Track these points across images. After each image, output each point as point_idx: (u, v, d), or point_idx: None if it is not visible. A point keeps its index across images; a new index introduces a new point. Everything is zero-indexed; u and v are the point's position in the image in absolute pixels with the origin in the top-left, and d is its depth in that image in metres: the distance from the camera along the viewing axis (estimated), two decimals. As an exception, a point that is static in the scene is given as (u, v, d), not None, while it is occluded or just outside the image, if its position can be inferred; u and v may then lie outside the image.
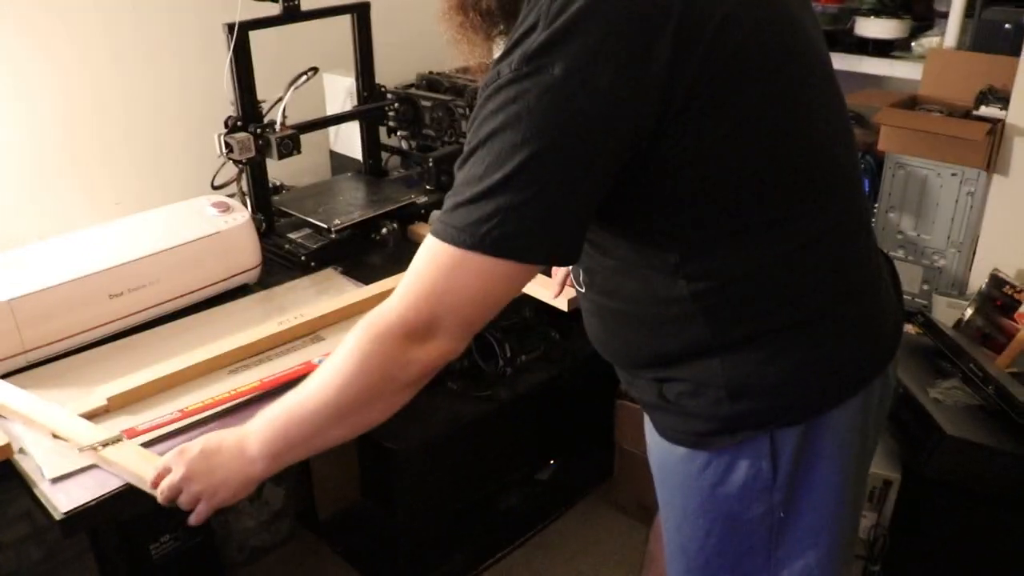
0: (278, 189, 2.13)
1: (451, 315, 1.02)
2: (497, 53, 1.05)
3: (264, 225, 1.91)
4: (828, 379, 1.14)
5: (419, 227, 2.02)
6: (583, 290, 1.23)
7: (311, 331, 1.64)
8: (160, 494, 1.18)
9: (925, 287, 2.33)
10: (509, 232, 0.95)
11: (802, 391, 1.13)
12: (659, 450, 1.25)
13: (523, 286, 1.04)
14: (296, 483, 2.40)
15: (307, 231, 1.95)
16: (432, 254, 1.00)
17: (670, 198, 1.03)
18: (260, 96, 1.84)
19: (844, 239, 1.14)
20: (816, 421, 1.14)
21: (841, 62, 2.31)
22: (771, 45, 1.02)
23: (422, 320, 1.02)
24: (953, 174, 2.19)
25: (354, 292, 1.74)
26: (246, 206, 1.90)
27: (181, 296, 1.69)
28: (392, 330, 1.03)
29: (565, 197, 0.97)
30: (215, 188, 1.91)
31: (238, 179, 1.91)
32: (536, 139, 0.93)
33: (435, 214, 1.00)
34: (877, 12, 2.34)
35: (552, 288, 1.69)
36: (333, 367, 1.08)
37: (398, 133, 2.29)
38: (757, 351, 1.11)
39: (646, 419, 1.38)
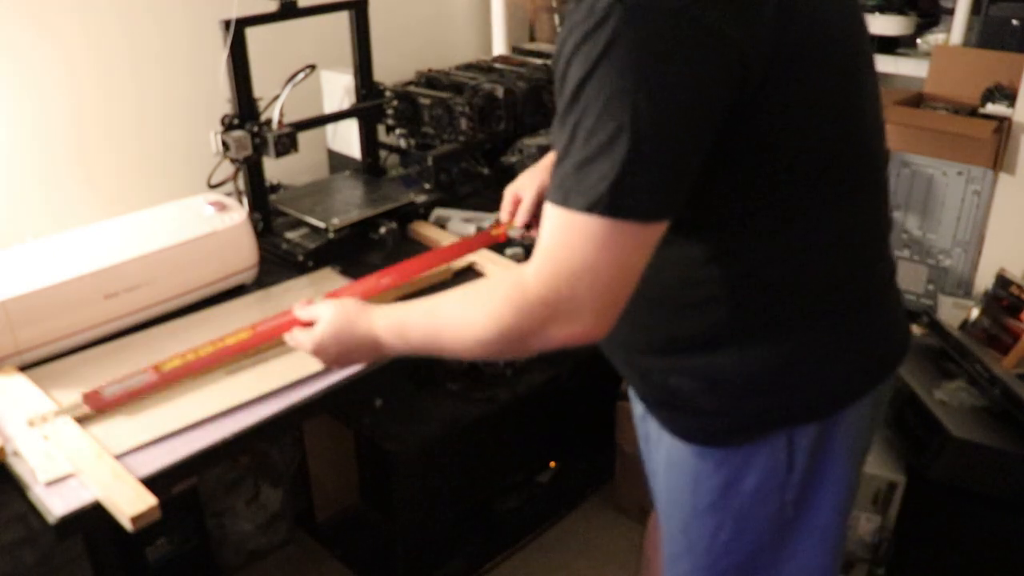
0: (275, 188, 2.12)
1: (591, 293, 0.96)
2: None
3: (261, 224, 1.90)
4: (847, 376, 1.15)
5: (418, 226, 2.01)
6: None
7: (309, 332, 1.63)
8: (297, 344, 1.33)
9: (930, 287, 2.33)
10: (631, 190, 0.90)
11: (821, 388, 1.14)
12: (667, 448, 1.24)
13: (652, 249, 0.97)
14: (294, 486, 2.40)
15: (305, 230, 1.94)
16: (558, 225, 0.95)
17: (736, 173, 1.00)
18: (257, 94, 1.83)
19: (873, 235, 1.16)
20: (832, 418, 1.15)
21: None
22: (842, 26, 1.03)
23: (563, 300, 0.96)
24: (959, 173, 2.19)
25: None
26: (243, 205, 1.89)
27: (177, 296, 1.68)
28: (534, 308, 0.98)
29: (680, 147, 0.92)
30: (212, 187, 1.90)
31: (235, 178, 1.91)
32: (646, 85, 0.87)
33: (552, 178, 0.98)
34: (882, 9, 2.33)
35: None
36: (470, 318, 1.06)
37: (396, 131, 2.28)
38: (776, 344, 1.10)
39: (643, 417, 1.38)
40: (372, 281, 1.62)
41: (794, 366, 1.11)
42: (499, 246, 1.88)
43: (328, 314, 1.28)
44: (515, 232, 1.67)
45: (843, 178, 1.06)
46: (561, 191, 0.94)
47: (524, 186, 1.63)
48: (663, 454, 1.26)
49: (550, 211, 0.96)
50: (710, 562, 1.25)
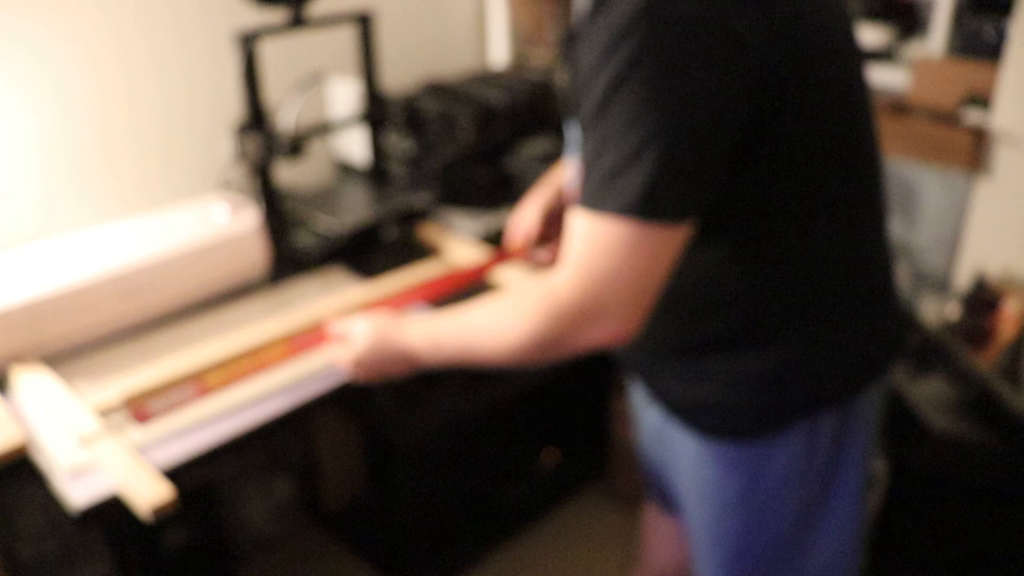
0: (285, 191, 2.15)
1: (622, 295, 0.98)
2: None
3: (272, 226, 1.93)
4: (863, 360, 1.16)
5: (422, 228, 2.04)
6: None
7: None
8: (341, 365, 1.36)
9: (911, 286, 2.37)
10: (661, 195, 0.91)
11: (840, 374, 1.14)
12: (690, 448, 1.24)
13: (679, 251, 0.99)
14: (303, 476, 2.43)
15: (313, 232, 1.96)
16: (589, 231, 0.97)
17: (748, 175, 1.01)
18: (268, 100, 1.85)
19: (876, 227, 1.17)
20: (850, 402, 1.16)
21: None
22: (840, 34, 1.05)
23: (595, 304, 0.99)
24: (938, 177, 2.21)
25: (359, 291, 1.77)
26: (255, 207, 1.92)
27: (191, 294, 1.72)
28: (565, 314, 1.01)
29: (706, 151, 0.93)
30: (225, 190, 1.95)
31: (247, 181, 1.95)
32: (674, 94, 0.89)
33: (579, 185, 0.99)
34: (864, 19, 2.37)
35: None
36: (505, 328, 1.07)
37: (401, 138, 2.32)
38: (794, 338, 1.11)
39: (662, 420, 1.35)
40: (403, 299, 1.66)
41: (813, 357, 1.12)
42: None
43: (364, 329, 1.30)
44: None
45: (848, 176, 1.08)
46: (592, 199, 0.96)
47: (523, 215, 1.63)
48: (687, 454, 1.26)
49: (579, 218, 0.98)
50: (740, 553, 1.25)
